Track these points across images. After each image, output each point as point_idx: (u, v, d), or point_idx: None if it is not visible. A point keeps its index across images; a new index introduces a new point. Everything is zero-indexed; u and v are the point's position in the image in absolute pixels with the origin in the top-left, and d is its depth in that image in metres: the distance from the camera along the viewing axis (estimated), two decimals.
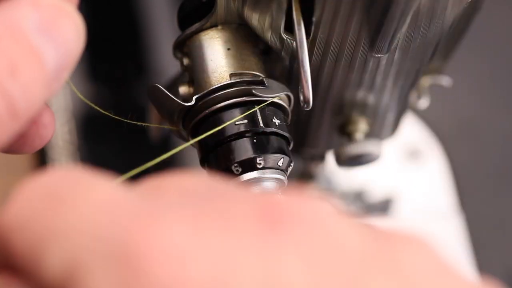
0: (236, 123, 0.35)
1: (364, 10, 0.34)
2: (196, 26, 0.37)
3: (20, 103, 0.25)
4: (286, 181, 0.36)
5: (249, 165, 0.34)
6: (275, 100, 0.36)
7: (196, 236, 0.20)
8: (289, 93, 0.37)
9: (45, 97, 0.26)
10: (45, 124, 0.30)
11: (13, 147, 0.30)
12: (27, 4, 0.26)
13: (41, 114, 0.30)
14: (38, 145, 0.31)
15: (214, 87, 0.35)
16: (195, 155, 0.37)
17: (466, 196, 0.66)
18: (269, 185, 0.35)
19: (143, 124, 0.37)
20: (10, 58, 0.24)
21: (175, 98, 0.35)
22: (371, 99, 0.42)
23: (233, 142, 0.35)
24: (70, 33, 0.26)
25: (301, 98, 0.35)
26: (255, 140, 0.35)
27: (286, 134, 0.36)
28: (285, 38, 0.36)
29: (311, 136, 0.46)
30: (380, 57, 0.37)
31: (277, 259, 0.20)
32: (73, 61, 0.27)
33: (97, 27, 0.67)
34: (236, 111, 0.35)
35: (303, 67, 0.35)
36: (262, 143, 0.35)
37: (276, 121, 0.35)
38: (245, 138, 0.35)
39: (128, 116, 0.36)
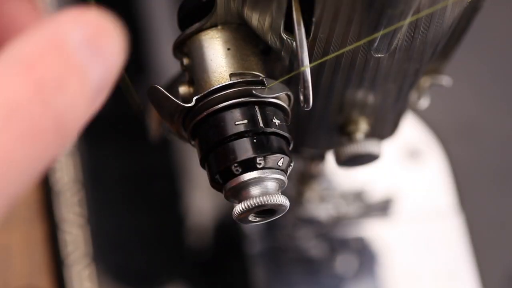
0: (236, 123, 0.35)
1: (364, 10, 0.34)
2: (196, 26, 0.37)
3: (67, 118, 0.25)
4: (286, 181, 0.36)
5: (249, 165, 0.34)
6: (275, 100, 0.36)
7: None
8: (289, 93, 0.37)
9: (89, 113, 0.26)
10: None
11: None
12: (69, 20, 0.26)
13: None
14: None
15: (214, 87, 0.35)
16: (195, 155, 0.37)
17: (466, 196, 0.66)
18: (269, 185, 0.35)
19: None
20: (56, 73, 0.25)
21: (174, 99, 0.35)
22: (371, 99, 0.42)
23: (233, 142, 0.35)
24: (112, 49, 0.27)
25: (301, 98, 0.35)
26: (255, 140, 0.35)
27: (286, 134, 0.36)
28: (285, 38, 0.36)
29: (311, 136, 0.46)
30: (380, 57, 0.37)
31: None
32: (115, 76, 0.27)
33: None
34: (236, 111, 0.35)
35: (303, 67, 0.35)
36: (262, 143, 0.35)
37: (276, 121, 0.35)
38: (245, 138, 0.35)
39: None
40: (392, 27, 0.34)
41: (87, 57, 0.26)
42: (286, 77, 0.36)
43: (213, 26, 0.37)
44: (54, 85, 0.25)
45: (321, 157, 0.52)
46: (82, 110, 0.26)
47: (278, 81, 0.36)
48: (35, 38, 0.25)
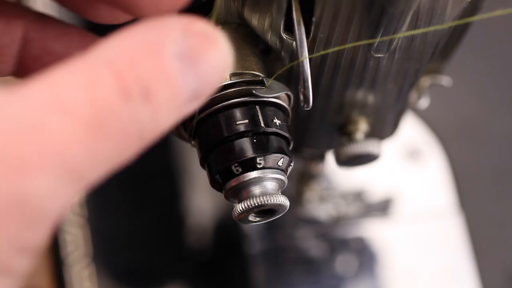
0: (237, 123, 0.35)
1: (364, 10, 0.34)
2: None
3: (148, 128, 0.25)
4: (286, 181, 0.36)
5: (249, 165, 0.34)
6: (276, 100, 0.36)
7: None
8: (289, 93, 0.37)
9: (174, 122, 0.26)
10: None
11: None
12: (177, 28, 0.25)
13: None
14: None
15: None
16: (195, 155, 0.37)
17: (466, 196, 0.66)
18: (269, 185, 0.35)
19: None
20: (145, 82, 0.24)
21: None
22: (371, 99, 0.42)
23: (233, 142, 0.35)
24: (214, 63, 0.26)
25: (301, 98, 0.35)
26: (255, 140, 0.35)
27: (287, 134, 0.36)
28: (285, 38, 0.36)
29: (311, 136, 0.46)
30: (380, 57, 0.37)
31: None
32: (213, 88, 0.26)
33: (97, 27, 0.66)
34: (237, 111, 0.35)
35: (303, 67, 0.35)
36: (262, 143, 0.35)
37: (277, 121, 0.35)
38: (245, 138, 0.35)
39: None
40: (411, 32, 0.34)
41: (181, 70, 0.25)
42: (282, 70, 0.36)
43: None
44: (142, 94, 0.24)
45: (321, 157, 0.52)
46: (166, 120, 0.25)
47: (274, 76, 0.36)
48: (129, 41, 0.25)
